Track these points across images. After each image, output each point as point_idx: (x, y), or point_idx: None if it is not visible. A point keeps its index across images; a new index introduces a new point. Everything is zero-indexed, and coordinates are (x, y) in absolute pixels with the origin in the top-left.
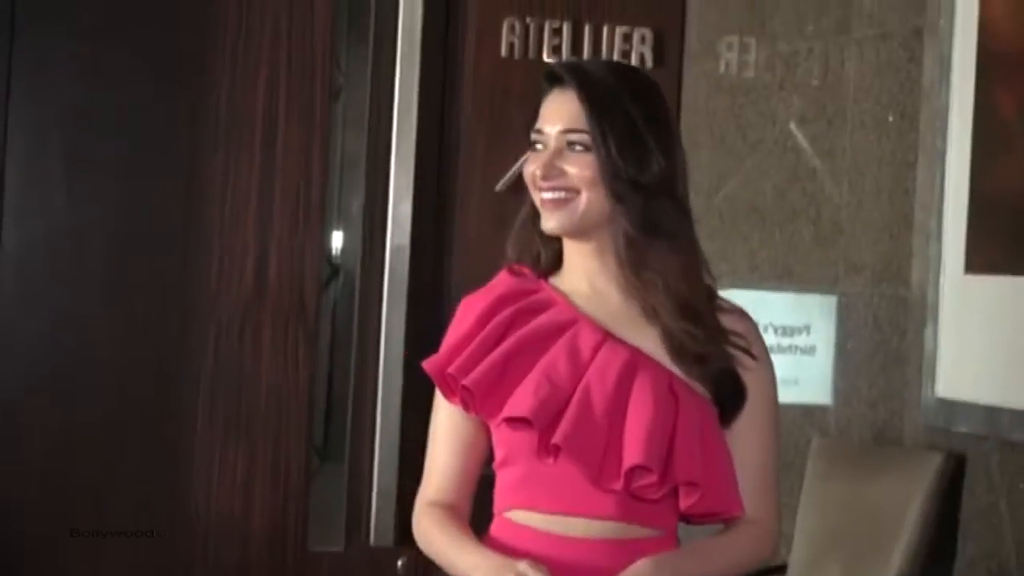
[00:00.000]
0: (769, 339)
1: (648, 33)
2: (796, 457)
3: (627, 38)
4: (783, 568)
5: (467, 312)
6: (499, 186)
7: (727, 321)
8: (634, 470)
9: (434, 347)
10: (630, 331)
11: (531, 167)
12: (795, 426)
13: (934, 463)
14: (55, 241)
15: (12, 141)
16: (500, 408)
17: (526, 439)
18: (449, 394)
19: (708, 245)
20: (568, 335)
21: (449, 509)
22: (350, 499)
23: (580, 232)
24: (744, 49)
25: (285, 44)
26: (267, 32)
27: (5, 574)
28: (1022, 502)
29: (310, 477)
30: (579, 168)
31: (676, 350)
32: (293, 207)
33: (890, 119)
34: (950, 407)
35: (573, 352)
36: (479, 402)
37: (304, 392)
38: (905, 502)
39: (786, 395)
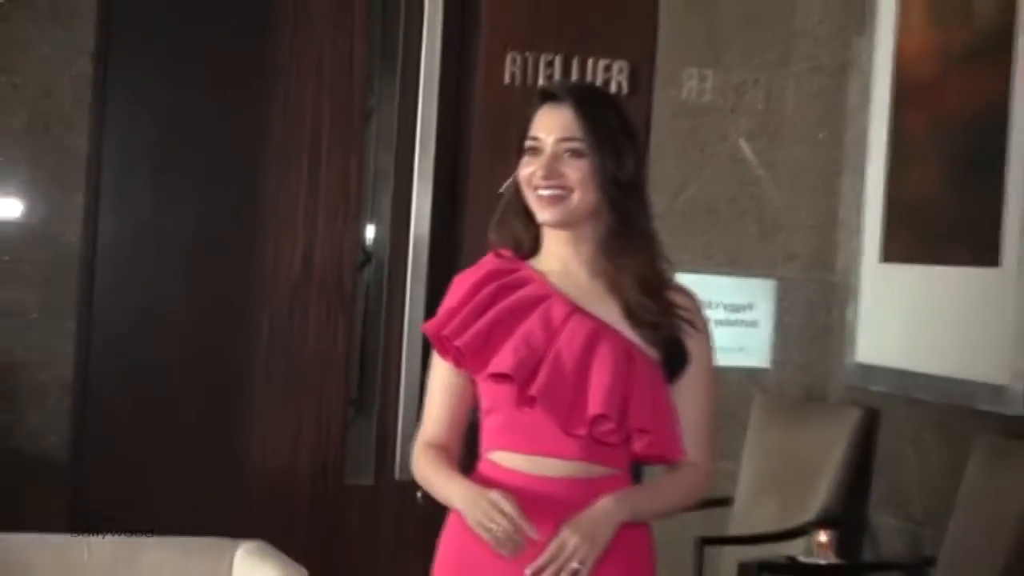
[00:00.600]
0: (720, 314)
1: (625, 65)
2: (740, 411)
3: (608, 68)
4: (729, 501)
5: (459, 285)
6: (502, 189)
7: (676, 298)
8: (596, 418)
9: None
10: (595, 305)
11: (529, 168)
12: (740, 385)
13: (853, 416)
14: (142, 234)
15: (107, 149)
16: (486, 365)
17: (507, 391)
18: (443, 353)
19: (672, 238)
20: (543, 307)
21: (442, 448)
22: (379, 442)
23: (568, 224)
24: (702, 78)
25: (328, 75)
26: (313, 64)
27: (108, 509)
28: (925, 448)
29: (347, 425)
30: (574, 171)
31: (634, 319)
32: (334, 207)
33: (820, 137)
34: (867, 370)
35: (547, 321)
36: (468, 360)
37: (342, 357)
38: (829, 448)
39: (733, 360)
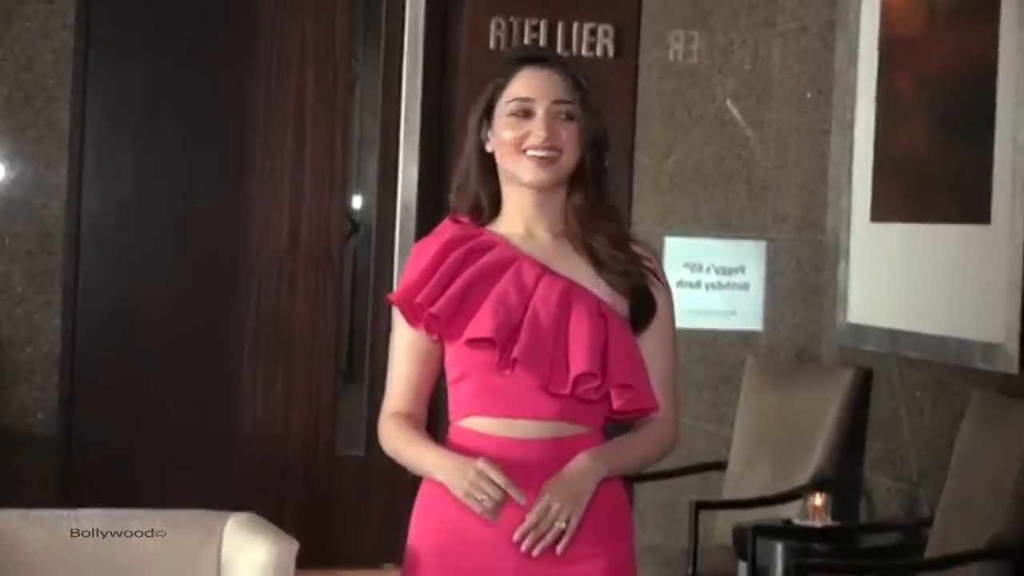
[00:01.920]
0: (710, 278)
1: (610, 28)
2: (733, 374)
3: (592, 32)
4: (723, 464)
5: (421, 253)
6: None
7: (641, 252)
8: (580, 376)
9: None
10: (563, 266)
11: (519, 130)
12: (733, 348)
13: (846, 376)
14: (127, 206)
15: (90, 122)
16: (461, 331)
17: (483, 356)
18: (414, 321)
19: (659, 201)
20: (512, 270)
21: (409, 417)
22: (369, 413)
23: (554, 185)
24: (688, 40)
25: (312, 43)
26: (297, 33)
27: (96, 484)
28: (918, 408)
29: (337, 395)
30: (567, 133)
31: (605, 269)
32: (320, 176)
33: (808, 96)
34: (859, 330)
35: (519, 283)
36: (443, 325)
37: (331, 326)
38: (823, 409)
39: (725, 323)
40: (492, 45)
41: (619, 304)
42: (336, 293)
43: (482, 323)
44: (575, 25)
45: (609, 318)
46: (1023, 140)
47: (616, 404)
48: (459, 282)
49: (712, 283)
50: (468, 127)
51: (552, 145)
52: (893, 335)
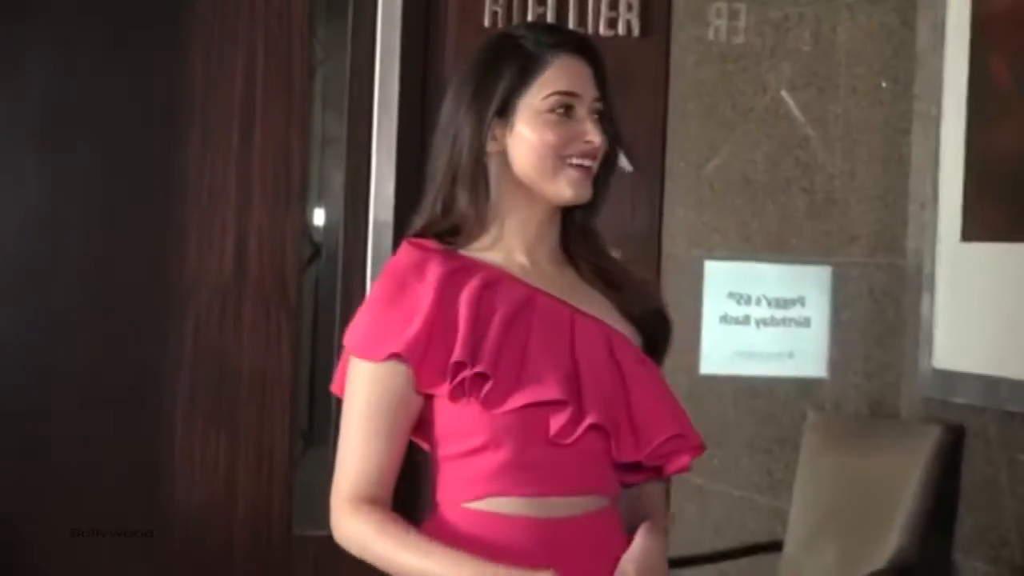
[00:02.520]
0: (762, 312)
1: (635, 1)
2: (791, 432)
3: (613, 5)
4: (779, 545)
5: (402, 293)
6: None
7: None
8: (669, 439)
9: None
10: (579, 300)
11: (564, 132)
12: (790, 400)
13: (932, 436)
14: (35, 225)
15: None
16: (508, 393)
17: (533, 422)
18: (427, 381)
19: (698, 216)
20: (538, 310)
21: (383, 506)
22: None
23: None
24: (733, 15)
25: (262, 20)
26: (243, 9)
27: None
28: (1022, 474)
29: (295, 461)
30: (603, 137)
31: (619, 293)
32: (273, 186)
33: (883, 85)
34: (947, 378)
35: (555, 328)
36: (494, 388)
37: (287, 375)
38: (903, 476)
39: (781, 368)
40: (488, 22)
41: (635, 337)
42: (293, 332)
43: (543, 381)
44: None
45: (648, 363)
46: None
47: (681, 463)
48: (495, 330)
49: (764, 318)
50: (456, 122)
51: (598, 153)
52: (990, 384)
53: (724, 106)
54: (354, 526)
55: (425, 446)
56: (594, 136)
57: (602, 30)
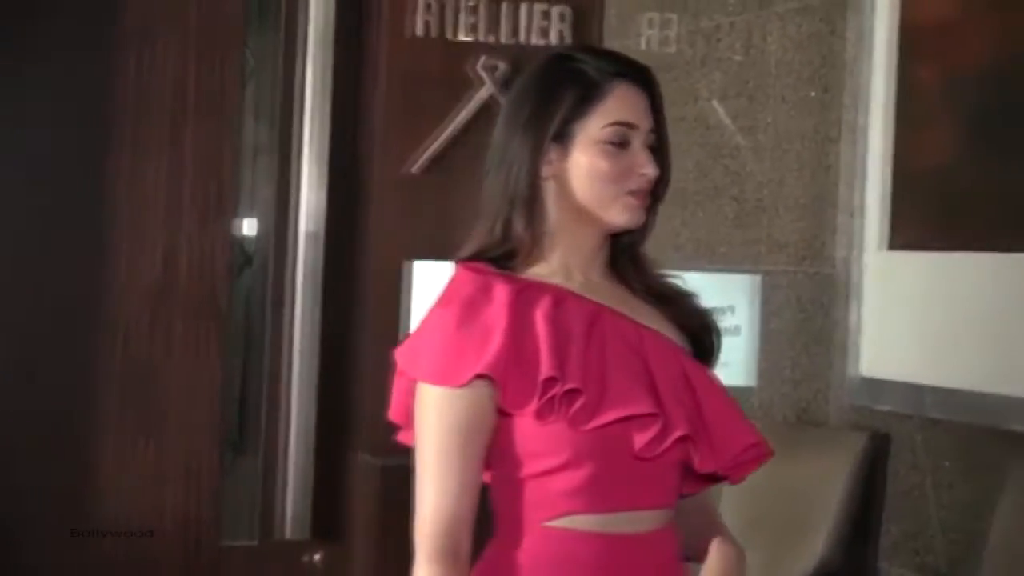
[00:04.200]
0: None
1: (567, 10)
2: None
3: (545, 15)
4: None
5: (472, 317)
6: (416, 167)
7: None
8: (747, 448)
9: (348, 335)
10: (638, 315)
11: (622, 161)
12: None
13: (858, 443)
14: None
15: None
16: (596, 409)
17: (618, 438)
18: (513, 401)
19: None
20: (609, 327)
21: (462, 558)
22: (264, 492)
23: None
24: (665, 24)
25: (194, 29)
26: (175, 16)
27: None
28: (947, 481)
29: (224, 471)
30: (657, 168)
31: (673, 309)
32: (202, 197)
33: (812, 94)
34: (873, 386)
35: (625, 343)
36: (584, 404)
37: (216, 384)
38: (829, 483)
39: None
40: (419, 32)
41: (688, 348)
42: (222, 342)
43: (631, 396)
44: (523, 6)
45: (711, 373)
46: None
47: (747, 471)
48: (577, 346)
49: None
50: (512, 146)
51: (652, 185)
52: (915, 391)
53: None
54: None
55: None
56: (649, 169)
57: (534, 39)
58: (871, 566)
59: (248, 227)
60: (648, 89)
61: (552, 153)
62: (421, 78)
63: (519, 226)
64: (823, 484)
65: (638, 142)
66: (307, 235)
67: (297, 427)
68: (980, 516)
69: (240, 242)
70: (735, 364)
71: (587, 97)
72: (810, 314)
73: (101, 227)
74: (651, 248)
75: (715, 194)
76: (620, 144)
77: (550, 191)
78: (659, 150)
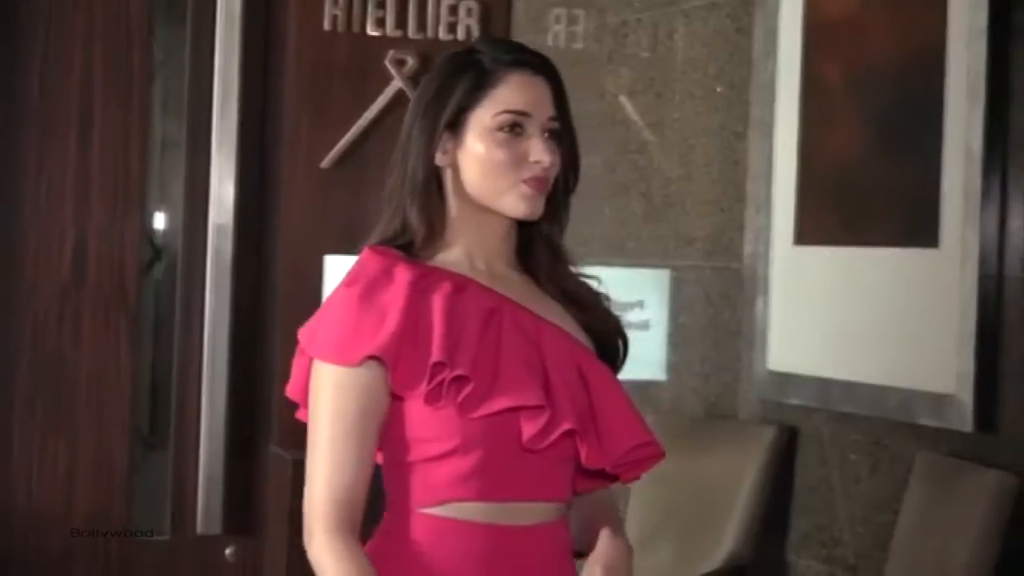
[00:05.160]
0: None
1: (474, 5)
2: None
3: (453, 10)
4: None
5: (371, 298)
6: (325, 162)
7: (597, 288)
8: (637, 447)
9: (259, 329)
10: (540, 308)
11: (515, 149)
12: None
13: (767, 436)
14: None
15: None
16: (484, 397)
17: (507, 427)
18: (403, 384)
19: None
20: (507, 317)
21: (354, 532)
22: (175, 487)
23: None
24: (572, 20)
25: (100, 23)
26: (81, 10)
27: None
28: (854, 474)
29: (134, 465)
30: (554, 156)
31: (585, 312)
32: (112, 189)
33: (719, 90)
34: (782, 380)
35: (522, 335)
36: (473, 391)
37: (127, 378)
38: (739, 476)
39: (622, 373)
40: (328, 26)
41: (591, 348)
42: (132, 336)
43: (521, 386)
44: (431, 1)
45: (609, 372)
46: (977, 147)
47: (639, 471)
48: (471, 334)
49: None
50: (410, 134)
51: (550, 172)
52: (823, 385)
53: None
54: (324, 559)
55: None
56: (541, 155)
57: (442, 34)
58: (780, 558)
59: (158, 221)
60: (550, 79)
61: (447, 143)
62: (330, 71)
63: (412, 216)
64: (733, 477)
65: (533, 130)
66: (217, 228)
67: (208, 421)
68: (886, 509)
69: (150, 235)
70: (645, 359)
71: (480, 85)
72: (719, 309)
73: (10, 221)
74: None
75: (623, 190)
76: (514, 132)
77: (448, 180)
78: (563, 140)
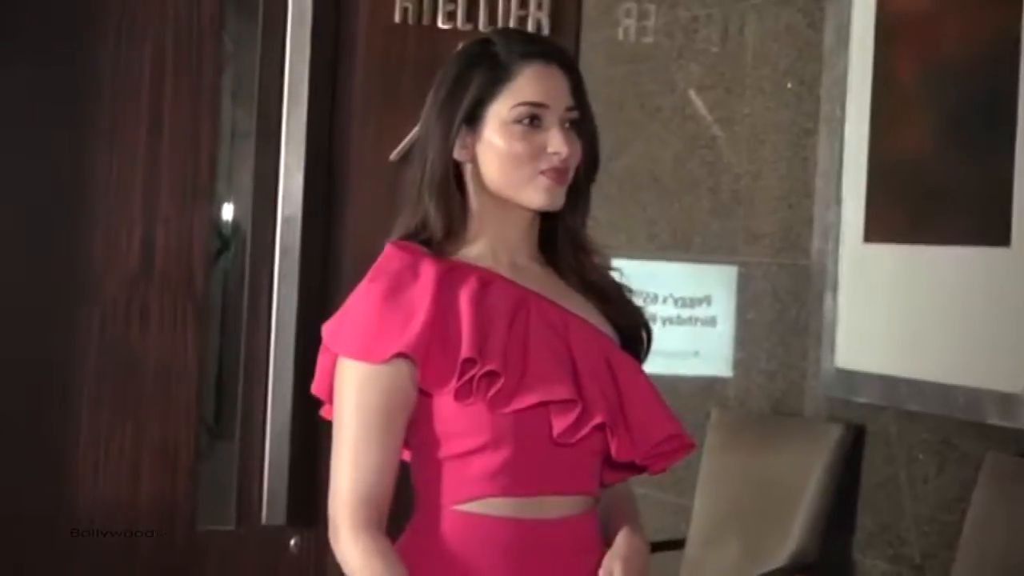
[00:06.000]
0: (669, 310)
1: (544, 0)
2: (695, 430)
3: (523, 3)
4: (681, 543)
5: (398, 295)
6: (394, 155)
7: (619, 280)
8: (667, 439)
9: (324, 321)
10: (566, 302)
11: (533, 141)
12: (694, 399)
13: (833, 434)
14: None
15: None
16: (514, 392)
17: (537, 422)
18: (433, 381)
19: (604, 214)
20: (534, 311)
21: (380, 528)
22: (241, 477)
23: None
24: (643, 15)
25: (172, 12)
26: (152, 2)
27: None
28: (921, 473)
29: (200, 455)
30: (576, 146)
31: (610, 305)
32: (181, 180)
33: (789, 86)
34: (849, 377)
35: (550, 329)
36: (503, 387)
37: (193, 369)
38: (805, 474)
39: (685, 367)
40: (398, 19)
41: (616, 340)
42: (200, 326)
43: (551, 381)
44: None
45: (637, 364)
46: None
47: (666, 462)
48: (499, 329)
49: (670, 317)
50: (428, 129)
51: (569, 163)
52: (891, 384)
53: (632, 105)
54: (351, 555)
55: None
56: (560, 147)
57: (512, 27)
58: (846, 557)
59: (226, 211)
60: (566, 70)
61: (466, 137)
62: (400, 64)
63: (432, 211)
64: (798, 475)
65: (551, 122)
66: (285, 219)
67: (274, 412)
68: (953, 508)
69: (218, 226)
70: (711, 355)
71: (496, 79)
72: (786, 305)
73: (80, 210)
74: (628, 237)
75: (692, 185)
76: (532, 124)
77: (468, 174)
78: (582, 130)
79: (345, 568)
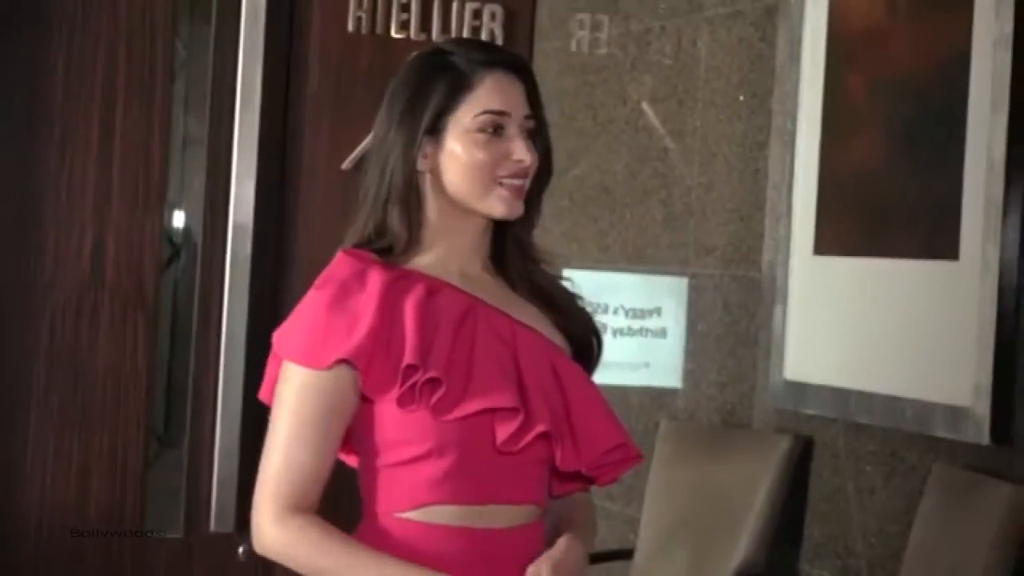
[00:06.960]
0: (619, 322)
1: (498, 9)
2: (644, 441)
3: (477, 14)
4: (630, 552)
5: (344, 301)
6: (346, 164)
7: (570, 288)
8: (613, 448)
9: (275, 329)
10: (515, 311)
11: (497, 149)
12: (644, 410)
13: (782, 446)
14: None
15: None
16: (458, 399)
17: (480, 429)
18: (374, 387)
19: (557, 226)
20: (482, 320)
21: (308, 512)
22: (190, 485)
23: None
24: (596, 26)
25: (124, 18)
26: (105, 6)
27: None
28: (868, 485)
29: (149, 463)
30: (535, 154)
31: (560, 314)
32: (132, 187)
33: (741, 99)
34: (798, 389)
35: (496, 338)
36: (446, 394)
37: (143, 377)
38: (753, 485)
39: (635, 378)
40: (352, 28)
41: (566, 349)
42: (149, 333)
43: (494, 388)
44: (455, 5)
45: (585, 375)
46: (999, 157)
47: (615, 473)
48: (444, 337)
49: (621, 328)
50: (387, 141)
51: (530, 171)
52: (839, 396)
53: (585, 117)
54: (276, 532)
55: (349, 460)
56: (523, 155)
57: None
58: (793, 568)
59: (177, 219)
60: (523, 77)
61: (427, 147)
62: (353, 73)
63: (394, 220)
64: (747, 486)
65: (513, 130)
66: (236, 227)
67: (223, 420)
68: (900, 520)
69: (169, 233)
70: (661, 366)
71: (458, 88)
72: (736, 317)
73: (30, 217)
74: (579, 248)
75: (644, 196)
76: (494, 133)
77: (427, 185)
78: (537, 139)
79: (269, 551)
